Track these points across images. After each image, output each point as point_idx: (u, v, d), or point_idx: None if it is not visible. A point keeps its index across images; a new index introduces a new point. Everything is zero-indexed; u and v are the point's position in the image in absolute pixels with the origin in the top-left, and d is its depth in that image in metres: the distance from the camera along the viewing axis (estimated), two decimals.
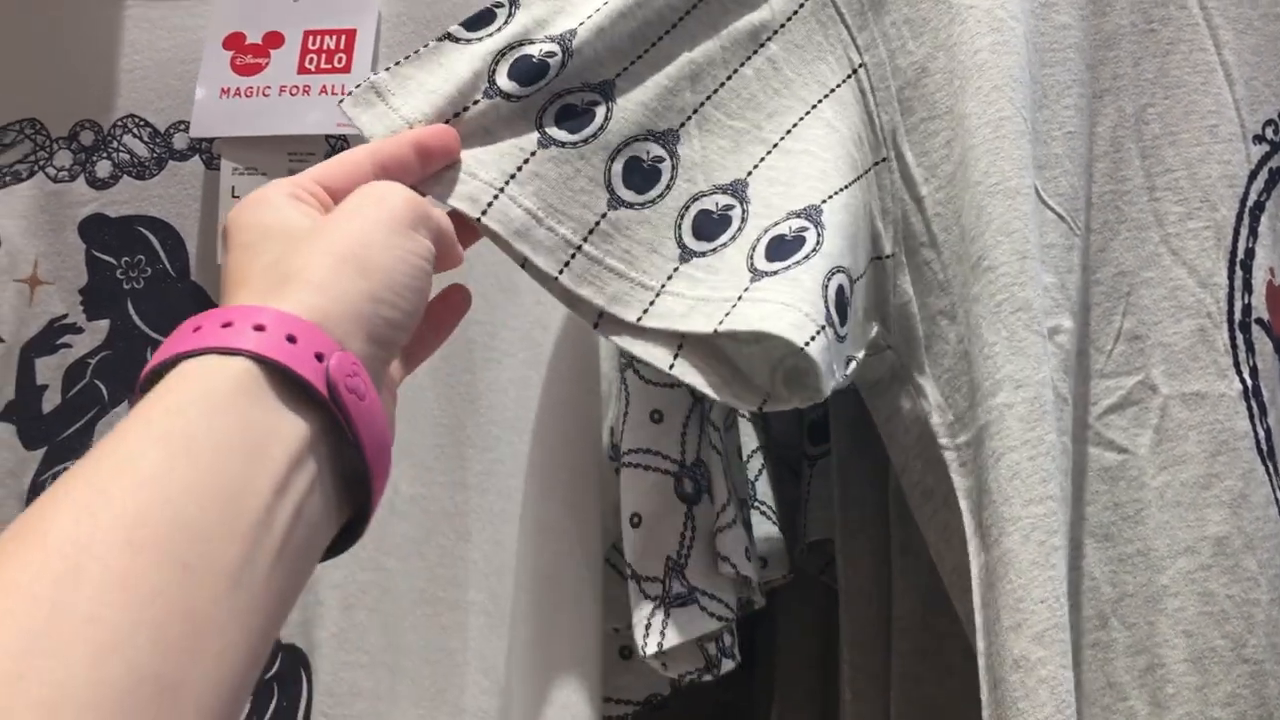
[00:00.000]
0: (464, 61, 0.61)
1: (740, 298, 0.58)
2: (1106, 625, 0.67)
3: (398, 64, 0.61)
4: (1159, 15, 0.71)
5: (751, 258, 0.60)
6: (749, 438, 0.81)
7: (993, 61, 0.65)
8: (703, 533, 0.68)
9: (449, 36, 0.62)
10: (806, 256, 0.59)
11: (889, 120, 0.66)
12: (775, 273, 0.59)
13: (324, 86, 0.80)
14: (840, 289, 0.59)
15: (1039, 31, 0.68)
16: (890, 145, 0.66)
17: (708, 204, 0.63)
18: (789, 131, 0.64)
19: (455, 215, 0.58)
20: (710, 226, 0.62)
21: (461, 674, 0.77)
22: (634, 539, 0.68)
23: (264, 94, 0.80)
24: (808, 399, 0.58)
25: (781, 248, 0.60)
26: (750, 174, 0.63)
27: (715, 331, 0.58)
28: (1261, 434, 0.69)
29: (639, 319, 0.60)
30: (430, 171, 0.58)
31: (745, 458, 0.80)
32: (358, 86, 0.60)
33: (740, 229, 0.62)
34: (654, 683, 0.76)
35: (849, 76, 0.66)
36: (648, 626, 0.67)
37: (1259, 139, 0.72)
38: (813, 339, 0.56)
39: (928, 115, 0.66)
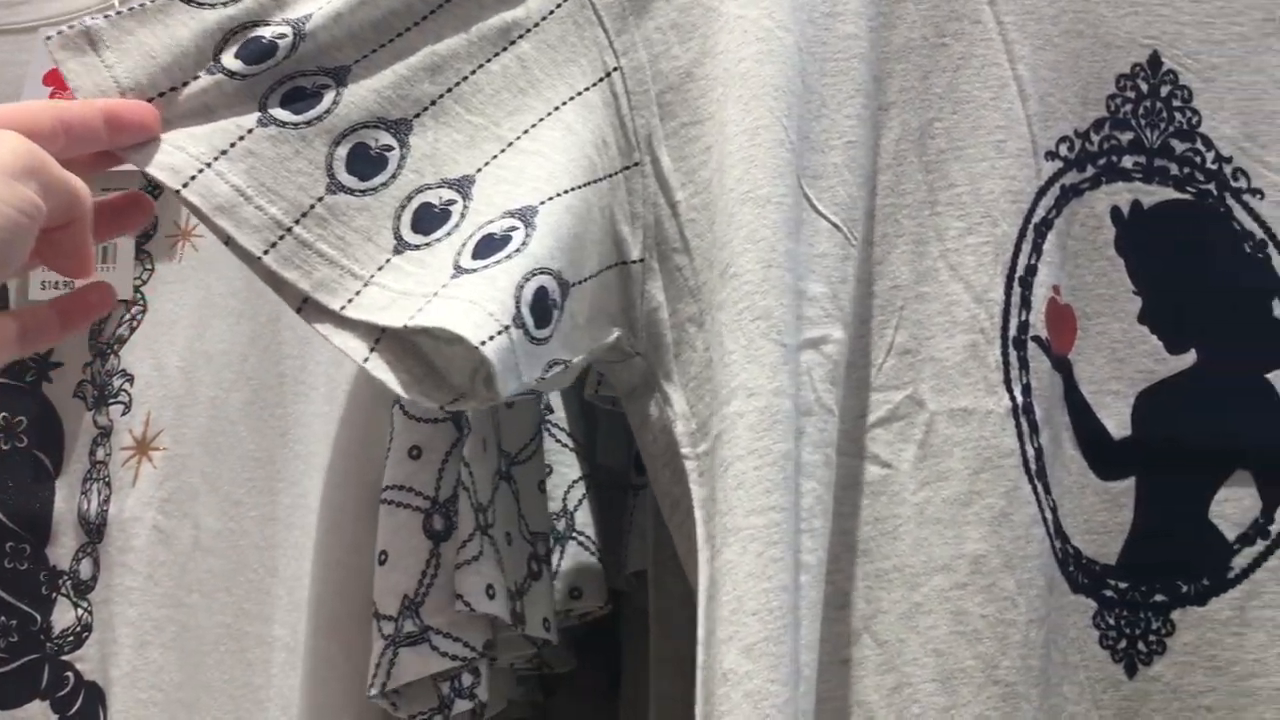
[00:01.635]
0: (190, 29, 0.59)
1: (436, 294, 0.58)
2: (858, 642, 0.66)
3: (119, 13, 0.59)
4: (952, 29, 0.71)
5: (459, 255, 0.59)
6: (570, 468, 0.81)
7: (755, 70, 0.64)
8: (447, 571, 0.68)
9: None
10: (509, 255, 0.58)
11: (645, 124, 0.66)
12: (475, 270, 0.58)
13: None
14: (541, 290, 0.58)
15: (820, 41, 0.67)
16: (645, 150, 0.66)
17: (431, 197, 0.62)
18: (526, 131, 0.63)
19: (126, 199, 0.57)
20: (429, 220, 0.61)
21: (264, 710, 0.78)
22: (378, 577, 0.68)
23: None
24: (492, 399, 0.58)
25: (488, 246, 0.59)
26: (480, 171, 0.63)
27: (406, 326, 0.57)
28: (1031, 452, 0.68)
29: (342, 308, 0.59)
30: (120, 144, 0.57)
31: (566, 488, 0.79)
32: (70, 26, 0.58)
33: (457, 225, 0.61)
34: None
35: (601, 80, 0.65)
36: (377, 666, 0.67)
37: (1052, 155, 0.71)
38: (492, 338, 0.55)
39: (690, 120, 0.66)
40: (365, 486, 0.73)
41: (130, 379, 0.84)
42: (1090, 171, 0.72)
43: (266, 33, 0.60)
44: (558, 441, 0.81)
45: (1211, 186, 0.73)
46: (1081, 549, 0.70)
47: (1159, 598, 0.71)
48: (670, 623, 0.76)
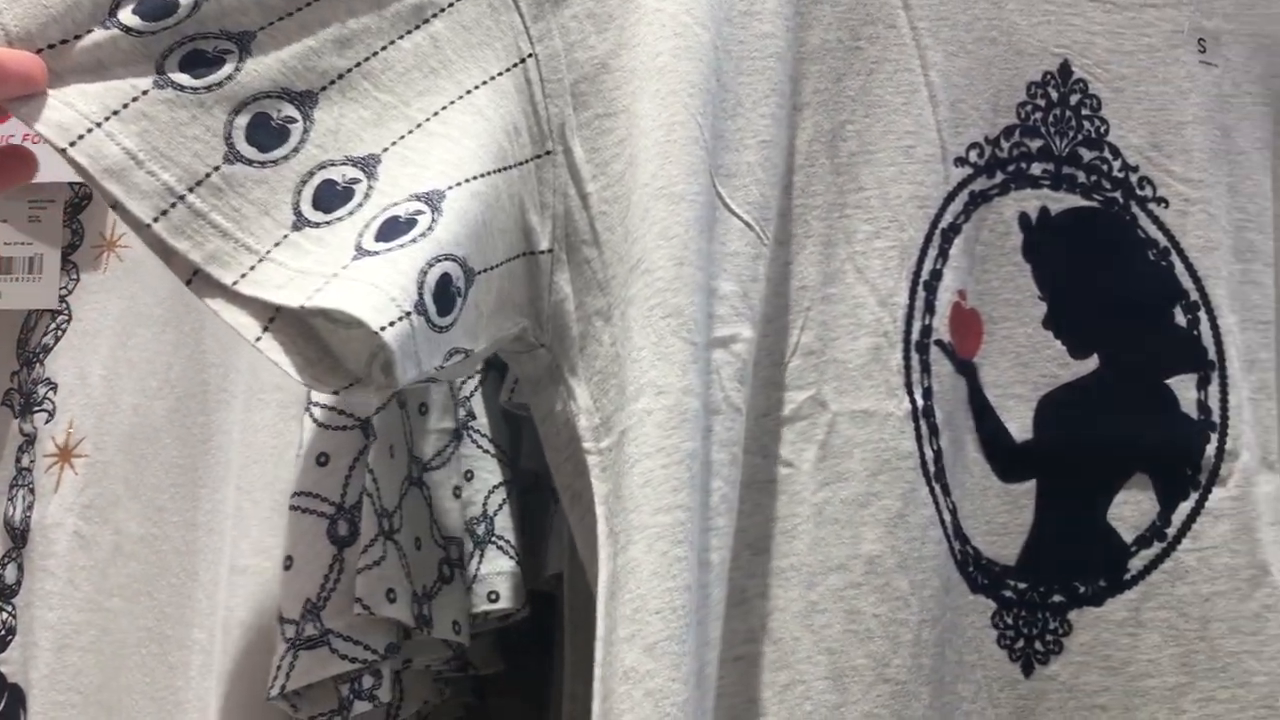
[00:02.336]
0: None
1: (336, 275, 0.57)
2: (755, 640, 0.67)
3: None
4: (867, 33, 0.71)
5: (361, 236, 0.58)
6: (491, 474, 0.81)
7: (672, 66, 0.64)
8: (349, 575, 0.68)
9: None
10: (414, 240, 0.57)
11: (558, 114, 0.66)
12: (378, 253, 0.57)
13: None
14: (445, 276, 0.58)
15: (737, 40, 0.67)
16: (558, 139, 0.66)
17: (334, 174, 0.61)
18: (436, 113, 0.62)
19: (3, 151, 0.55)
20: (331, 198, 0.60)
21: (184, 713, 0.78)
22: (283, 582, 0.68)
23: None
24: (390, 386, 0.57)
25: (393, 229, 0.58)
26: (387, 151, 0.62)
27: (303, 307, 0.56)
28: (930, 455, 0.69)
29: (235, 283, 0.57)
30: (3, 96, 0.55)
31: (487, 493, 0.80)
32: None
33: (360, 205, 0.60)
34: None
35: (515, 66, 0.65)
36: (278, 668, 0.67)
37: (961, 161, 0.72)
38: (392, 324, 0.54)
39: (604, 112, 0.66)
40: (275, 493, 0.73)
41: (54, 387, 0.84)
42: (999, 178, 0.73)
43: None
44: (479, 447, 0.82)
45: (1118, 195, 0.75)
46: (982, 550, 0.71)
47: (1057, 598, 0.72)
48: (582, 624, 0.77)
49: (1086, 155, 0.74)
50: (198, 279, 0.57)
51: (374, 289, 0.55)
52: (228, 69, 0.59)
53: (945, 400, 0.70)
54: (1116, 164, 0.75)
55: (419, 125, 0.63)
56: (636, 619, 0.58)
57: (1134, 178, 0.75)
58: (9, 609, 0.84)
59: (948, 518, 0.69)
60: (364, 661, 0.68)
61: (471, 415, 0.81)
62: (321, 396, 0.71)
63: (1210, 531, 0.73)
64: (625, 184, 0.64)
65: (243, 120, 0.59)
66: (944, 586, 0.68)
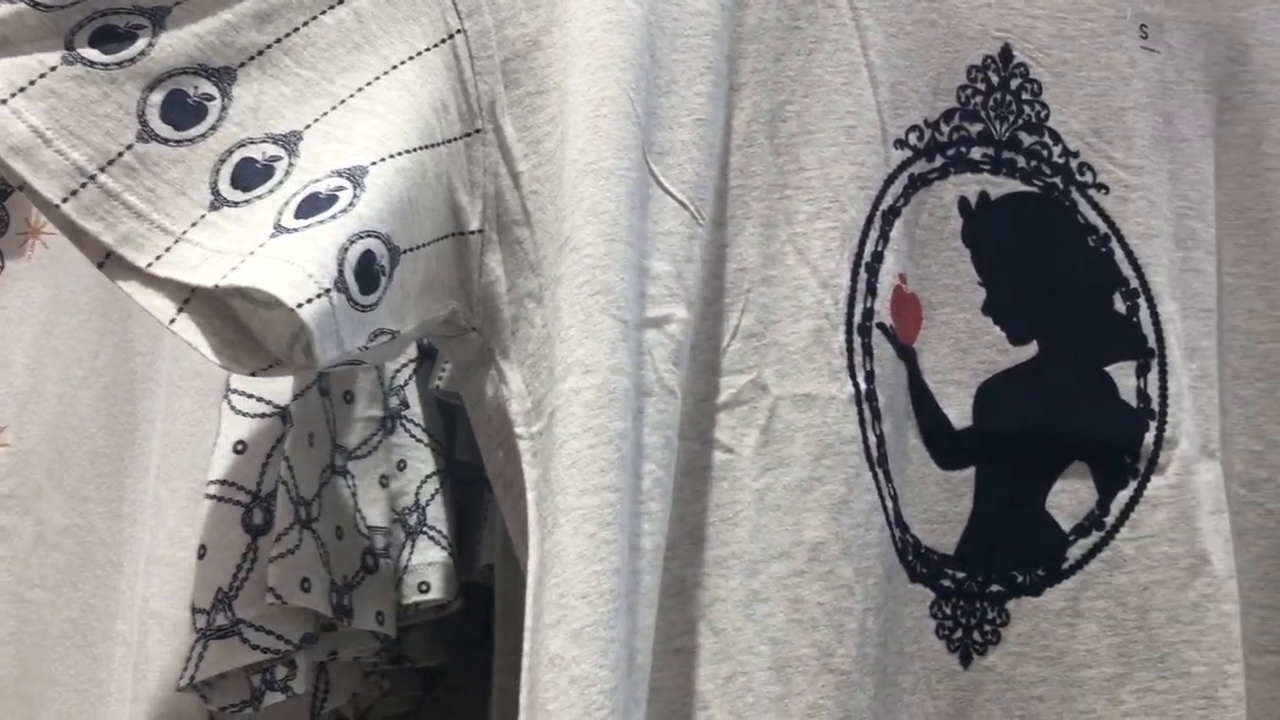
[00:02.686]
0: None
1: (253, 253, 0.55)
2: (694, 630, 0.65)
3: None
4: (806, 13, 0.70)
5: (281, 214, 0.56)
6: (424, 463, 0.80)
7: (603, 40, 0.62)
8: (264, 565, 0.67)
9: None
10: (334, 216, 0.55)
11: (488, 91, 0.64)
12: (296, 230, 0.55)
13: None
14: (368, 254, 0.55)
15: (671, 16, 0.66)
16: (488, 117, 0.64)
17: (254, 152, 0.59)
18: (361, 89, 0.60)
19: None
20: (251, 176, 0.58)
21: (107, 704, 0.76)
22: (197, 571, 0.67)
23: None
24: (310, 367, 0.55)
25: (313, 205, 0.56)
26: (309, 127, 0.60)
27: (217, 286, 0.54)
28: (873, 440, 0.67)
29: (149, 264, 0.55)
30: None
31: (420, 483, 0.78)
32: None
33: (281, 183, 0.58)
34: (292, 714, 0.74)
35: (443, 41, 0.63)
36: (188, 659, 0.65)
37: (901, 143, 0.71)
38: (310, 301, 0.52)
39: (536, 90, 0.64)
40: (192, 482, 0.72)
41: None
42: (939, 161, 0.72)
43: None
44: (412, 436, 0.80)
45: (1058, 180, 0.74)
46: (921, 538, 0.70)
47: (995, 588, 0.71)
48: (511, 615, 0.74)
49: (1027, 140, 0.74)
50: (110, 261, 0.56)
51: (290, 266, 0.53)
52: (140, 44, 0.57)
53: (887, 385, 0.69)
54: (1057, 149, 0.74)
55: (343, 101, 0.60)
56: (562, 604, 0.57)
57: (1074, 163, 0.74)
58: None
59: (890, 504, 0.68)
60: (276, 652, 0.67)
61: (405, 404, 0.79)
62: (240, 383, 0.69)
63: (1148, 520, 0.72)
64: (557, 162, 0.63)
65: (157, 97, 0.57)
66: (887, 574, 0.67)
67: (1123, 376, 0.74)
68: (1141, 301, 0.74)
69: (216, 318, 0.55)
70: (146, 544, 0.75)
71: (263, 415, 0.70)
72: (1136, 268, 0.74)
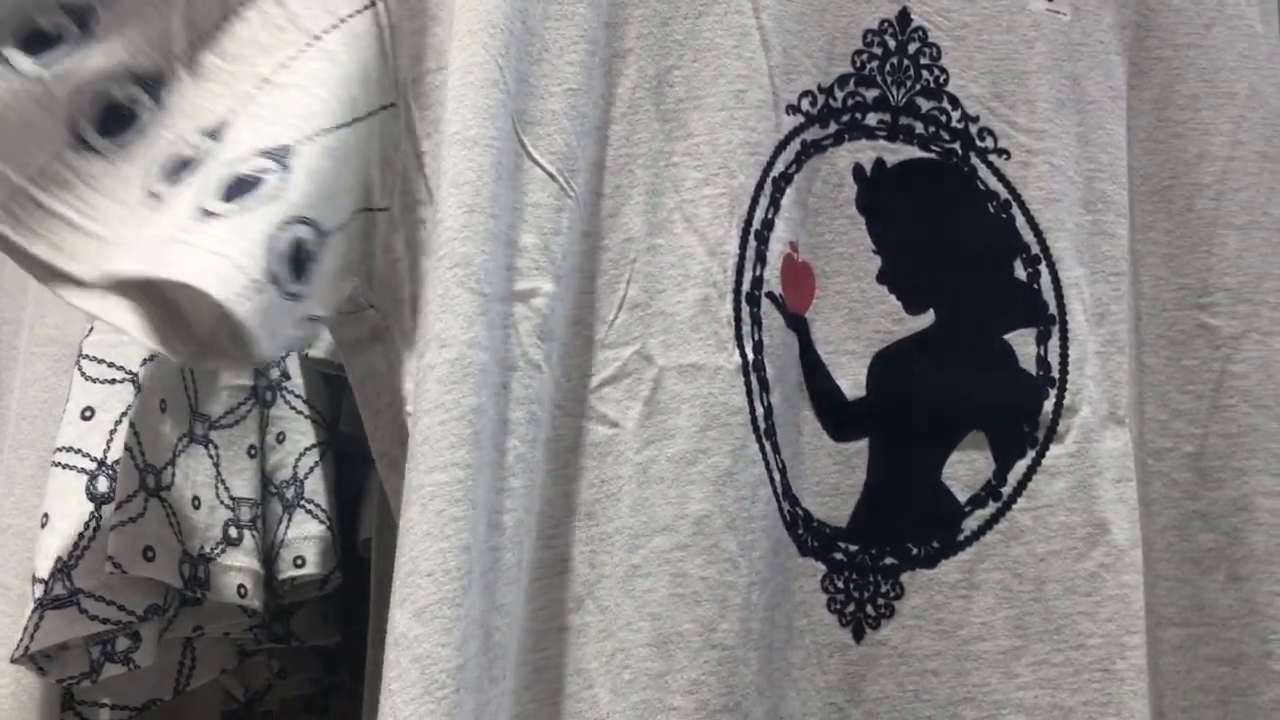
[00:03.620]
0: None
1: (179, 240, 0.53)
2: (581, 608, 0.64)
3: None
4: None
5: (202, 196, 0.55)
6: (304, 435, 0.78)
7: (472, 5, 0.61)
8: (106, 533, 0.65)
9: None
10: (262, 202, 0.54)
11: (405, 65, 0.62)
12: (222, 215, 0.54)
13: None
14: (297, 241, 0.55)
15: None
16: (401, 92, 0.62)
17: (184, 149, 0.58)
18: (284, 64, 0.59)
19: None
20: (179, 169, 0.57)
21: None
22: (39, 540, 0.66)
23: None
24: (247, 359, 0.54)
25: (238, 188, 0.55)
26: (235, 113, 0.58)
27: (144, 278, 0.53)
28: (760, 411, 0.66)
29: (82, 277, 0.55)
30: None
31: (298, 455, 0.77)
32: None
33: (204, 165, 0.57)
34: (154, 687, 0.73)
35: (366, 7, 0.60)
36: (24, 629, 0.64)
37: (793, 109, 0.70)
38: (239, 295, 0.52)
39: (435, 66, 0.62)
40: (42, 450, 0.70)
41: None
42: (833, 128, 0.71)
43: None
44: (292, 408, 0.79)
45: (956, 146, 0.73)
46: (812, 511, 0.69)
47: (889, 560, 0.70)
48: (384, 592, 0.73)
49: (924, 105, 0.72)
50: (48, 275, 0.55)
51: (218, 258, 0.52)
52: (67, 48, 0.56)
53: (776, 355, 0.67)
54: (956, 114, 0.73)
55: (265, 80, 0.59)
56: (409, 582, 0.56)
57: (974, 128, 0.73)
58: None
59: (777, 477, 0.67)
60: (117, 623, 0.65)
61: (286, 375, 0.78)
62: (93, 349, 0.68)
63: (1046, 490, 0.71)
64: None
65: (87, 104, 0.56)
66: (773, 548, 0.66)
67: (1022, 344, 0.72)
68: (1043, 267, 0.73)
69: (148, 299, 0.54)
70: (4, 511, 0.73)
71: (113, 381, 0.68)
72: (1038, 233, 0.73)
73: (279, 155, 0.56)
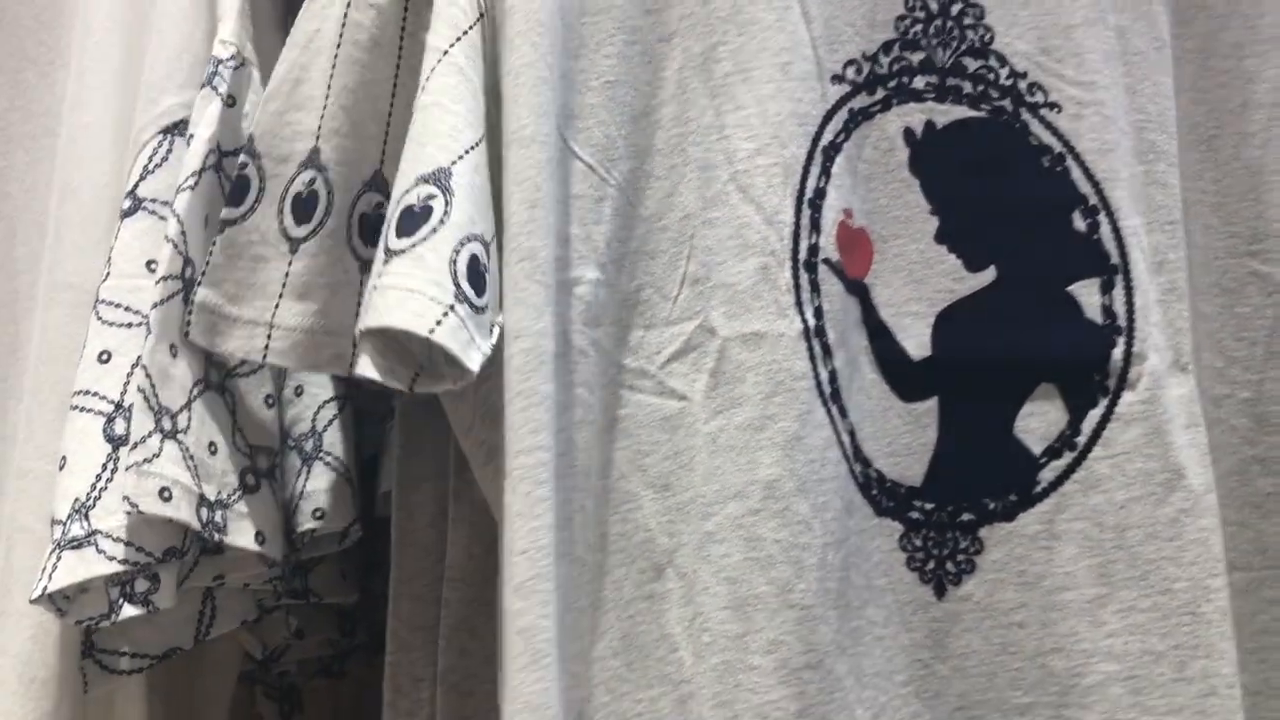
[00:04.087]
0: None
1: (375, 287, 0.58)
2: (661, 576, 0.66)
3: None
4: None
5: (387, 238, 0.59)
6: (322, 389, 0.77)
7: (520, 6, 0.63)
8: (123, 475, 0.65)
9: None
10: (434, 230, 0.58)
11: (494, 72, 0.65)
12: (403, 251, 0.58)
13: None
14: (473, 258, 0.59)
15: None
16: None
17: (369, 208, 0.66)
18: (423, 86, 0.62)
19: None
20: (375, 225, 0.64)
21: None
22: (57, 482, 0.67)
23: None
24: (461, 377, 0.59)
25: (410, 221, 0.59)
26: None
27: (361, 332, 0.58)
28: (824, 375, 0.67)
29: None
30: None
31: (317, 408, 0.77)
32: None
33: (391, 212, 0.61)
34: (175, 636, 0.72)
35: (477, 21, 0.63)
36: (42, 570, 0.64)
37: (838, 79, 0.71)
38: (439, 323, 0.56)
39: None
40: (61, 394, 0.70)
41: None
42: (880, 94, 0.72)
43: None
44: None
45: (1006, 103, 0.73)
46: (885, 472, 0.70)
47: (966, 516, 0.70)
48: (415, 544, 0.73)
49: (971, 65, 0.73)
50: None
51: (410, 295, 0.57)
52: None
53: (837, 320, 0.68)
54: (1004, 72, 0.73)
55: (417, 107, 0.62)
56: (509, 562, 0.59)
57: (1023, 84, 0.73)
58: None
59: (846, 439, 0.68)
60: (134, 564, 0.65)
61: None
62: (109, 293, 0.68)
63: (1121, 437, 0.71)
64: None
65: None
66: (846, 509, 0.67)
67: (1086, 295, 0.72)
68: (1102, 218, 0.73)
69: (369, 346, 0.59)
70: (16, 458, 0.73)
71: (129, 325, 0.68)
72: (1095, 184, 0.73)
73: (439, 179, 0.60)
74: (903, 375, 0.70)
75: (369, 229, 0.65)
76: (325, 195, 0.65)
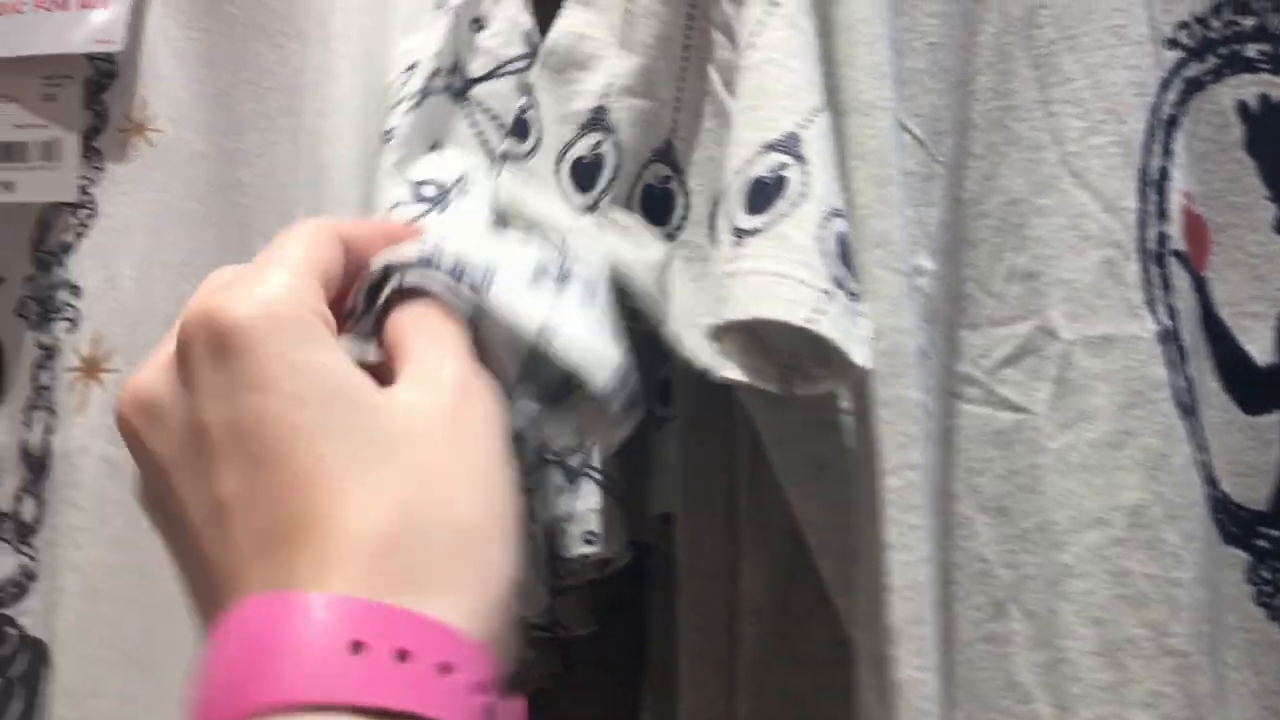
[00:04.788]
0: None
1: (731, 274, 0.49)
2: (1004, 615, 0.57)
3: None
4: None
5: (733, 215, 0.50)
6: None
7: None
8: None
9: None
10: (794, 204, 0.49)
11: None
12: (758, 230, 0.49)
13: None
14: (841, 236, 0.50)
15: None
16: None
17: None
18: (749, 44, 0.53)
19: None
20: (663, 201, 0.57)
21: None
22: None
23: (18, 10, 0.70)
24: (831, 378, 0.50)
25: (763, 194, 0.50)
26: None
27: (718, 325, 0.50)
28: (1182, 385, 0.58)
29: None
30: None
31: None
32: None
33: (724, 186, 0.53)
34: None
35: None
36: None
37: (1172, 43, 0.62)
38: (819, 311, 0.48)
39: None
40: None
41: (77, 292, 0.74)
42: (1211, 62, 0.63)
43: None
44: None
45: None
46: (1230, 494, 0.61)
47: None
48: (704, 575, 0.65)
49: None
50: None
51: (779, 280, 0.48)
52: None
53: (1188, 321, 0.60)
54: None
55: (739, 69, 0.54)
56: (874, 597, 0.52)
57: None
58: (28, 551, 0.74)
59: (1203, 459, 0.59)
60: None
61: None
62: None
63: None
64: None
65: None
66: (1207, 538, 0.58)
67: None
68: None
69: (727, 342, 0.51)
70: None
71: None
72: None
73: (790, 146, 0.51)
74: (1247, 384, 0.62)
75: (655, 204, 0.57)
76: (614, 161, 0.56)
